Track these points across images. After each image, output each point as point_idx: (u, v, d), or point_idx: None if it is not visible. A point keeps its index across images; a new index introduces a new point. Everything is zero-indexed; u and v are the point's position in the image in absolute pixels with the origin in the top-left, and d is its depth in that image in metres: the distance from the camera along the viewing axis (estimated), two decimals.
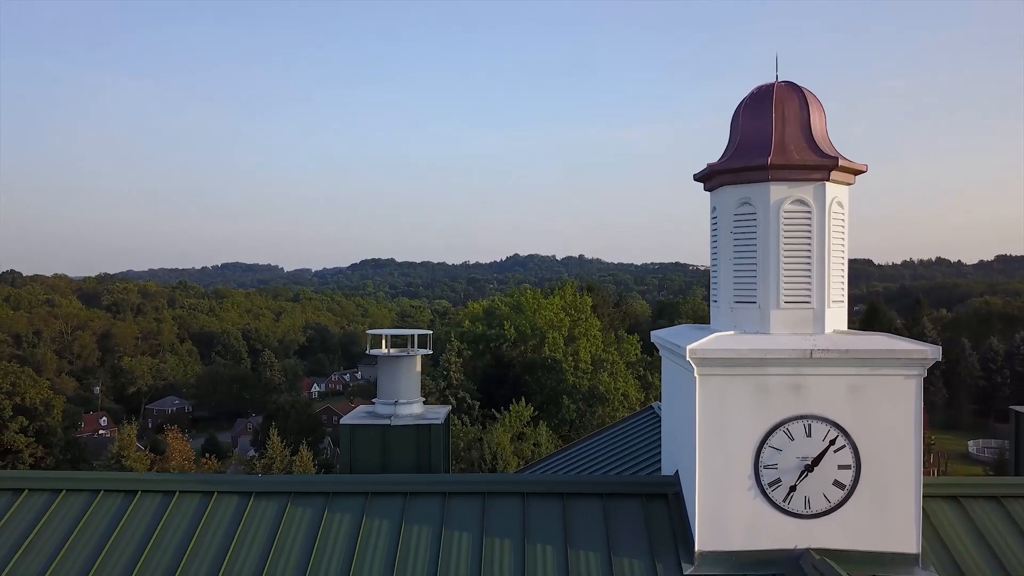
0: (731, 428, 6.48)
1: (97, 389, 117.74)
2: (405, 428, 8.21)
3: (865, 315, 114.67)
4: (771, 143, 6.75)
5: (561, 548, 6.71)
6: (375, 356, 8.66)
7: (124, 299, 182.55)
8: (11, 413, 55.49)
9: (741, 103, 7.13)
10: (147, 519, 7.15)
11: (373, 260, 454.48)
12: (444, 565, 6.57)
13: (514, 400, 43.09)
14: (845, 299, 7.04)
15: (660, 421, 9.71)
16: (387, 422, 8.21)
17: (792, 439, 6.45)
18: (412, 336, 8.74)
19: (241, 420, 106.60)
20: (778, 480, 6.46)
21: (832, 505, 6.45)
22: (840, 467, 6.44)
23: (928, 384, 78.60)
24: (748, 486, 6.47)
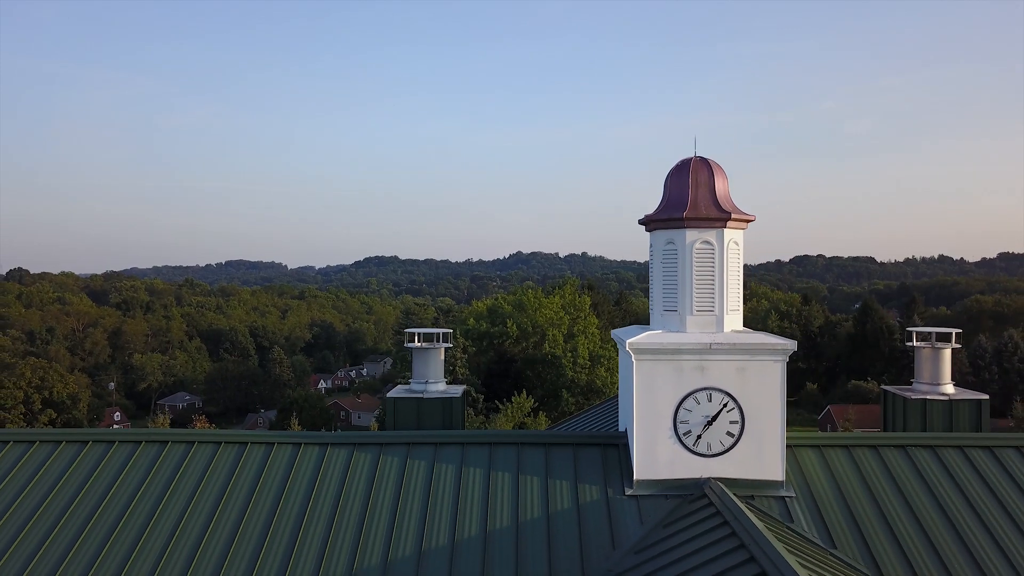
0: (658, 396, 9.62)
1: (112, 385, 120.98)
2: (433, 400, 11.42)
3: (858, 312, 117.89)
4: (687, 201, 9.88)
5: (543, 479, 9.86)
6: (409, 348, 11.85)
7: (133, 297, 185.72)
8: (40, 406, 58.75)
9: (670, 171, 10.26)
10: (255, 465, 10.29)
11: (377, 258, 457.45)
12: (464, 489, 9.72)
13: (516, 393, 46.26)
14: (740, 308, 10.15)
15: None
16: (420, 395, 11.42)
17: (699, 403, 9.59)
18: (438, 334, 11.94)
19: (251, 415, 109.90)
20: (689, 431, 9.60)
21: (725, 448, 9.59)
22: (731, 422, 9.57)
23: None
24: (669, 435, 9.61)
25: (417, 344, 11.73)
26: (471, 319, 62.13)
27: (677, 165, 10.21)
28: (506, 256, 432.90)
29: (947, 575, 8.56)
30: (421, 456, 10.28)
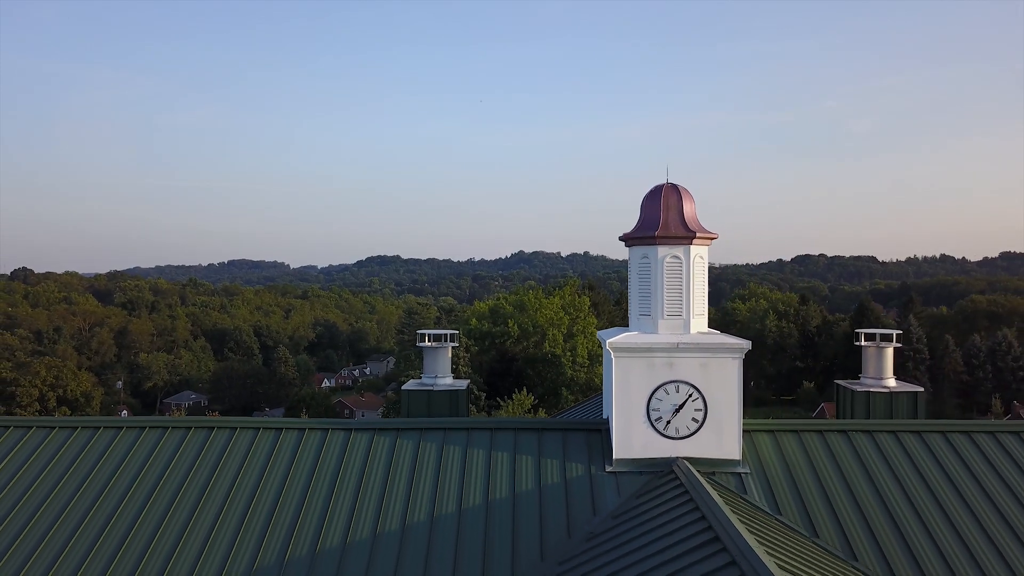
0: (633, 388, 11.34)
1: (120, 384, 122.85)
2: (442, 392, 13.17)
3: (855, 312, 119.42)
4: (659, 222, 11.59)
5: (536, 458, 11.59)
6: (422, 347, 13.60)
7: (138, 296, 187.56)
8: (55, 404, 60.54)
9: (645, 195, 11.97)
10: (289, 448, 12.02)
11: (379, 257, 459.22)
12: (469, 467, 11.44)
13: (516, 390, 48.00)
14: (705, 312, 11.86)
15: None
16: (431, 388, 13.16)
17: (668, 394, 11.31)
18: (445, 334, 13.68)
19: (257, 413, 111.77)
20: (660, 418, 11.32)
21: (691, 432, 11.31)
22: (695, 410, 11.29)
23: (913, 379, 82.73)
24: (643, 421, 11.33)
25: (428, 343, 13.48)
26: (473, 319, 63.86)
27: (651, 190, 11.93)
28: (508, 256, 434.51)
29: (874, 541, 10.26)
30: (432, 439, 12.02)
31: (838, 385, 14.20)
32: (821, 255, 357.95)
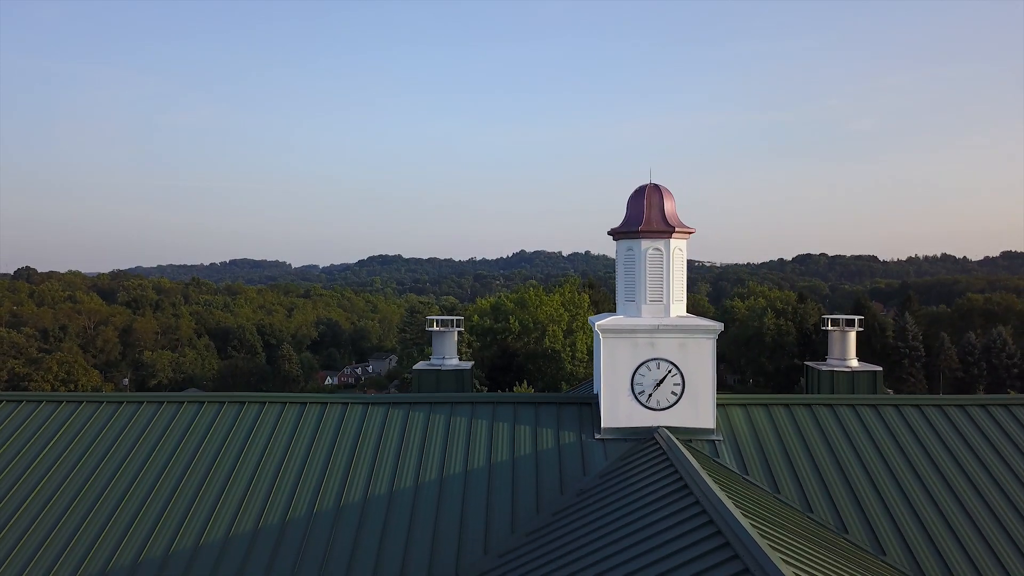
0: (619, 365, 12.79)
1: (126, 381, 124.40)
2: (449, 371, 14.64)
3: (852, 310, 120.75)
4: (643, 218, 13.05)
5: (533, 427, 13.05)
6: (431, 331, 15.08)
7: (142, 295, 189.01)
8: None
9: (631, 194, 13.42)
10: (312, 420, 13.48)
11: (380, 256, 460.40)
12: (473, 435, 12.90)
13: (517, 384, 49.45)
14: (684, 298, 13.31)
15: None
16: (439, 367, 14.64)
17: (650, 370, 12.76)
18: (452, 319, 15.17)
19: None
20: (643, 391, 12.78)
21: (670, 404, 12.76)
22: (674, 384, 12.75)
23: (908, 375, 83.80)
24: (628, 395, 12.79)
25: (436, 328, 14.96)
26: (475, 316, 65.33)
27: (636, 190, 13.39)
28: (509, 255, 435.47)
29: (829, 498, 11.71)
30: (441, 412, 13.49)
31: (807, 366, 15.66)
32: (822, 254, 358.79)
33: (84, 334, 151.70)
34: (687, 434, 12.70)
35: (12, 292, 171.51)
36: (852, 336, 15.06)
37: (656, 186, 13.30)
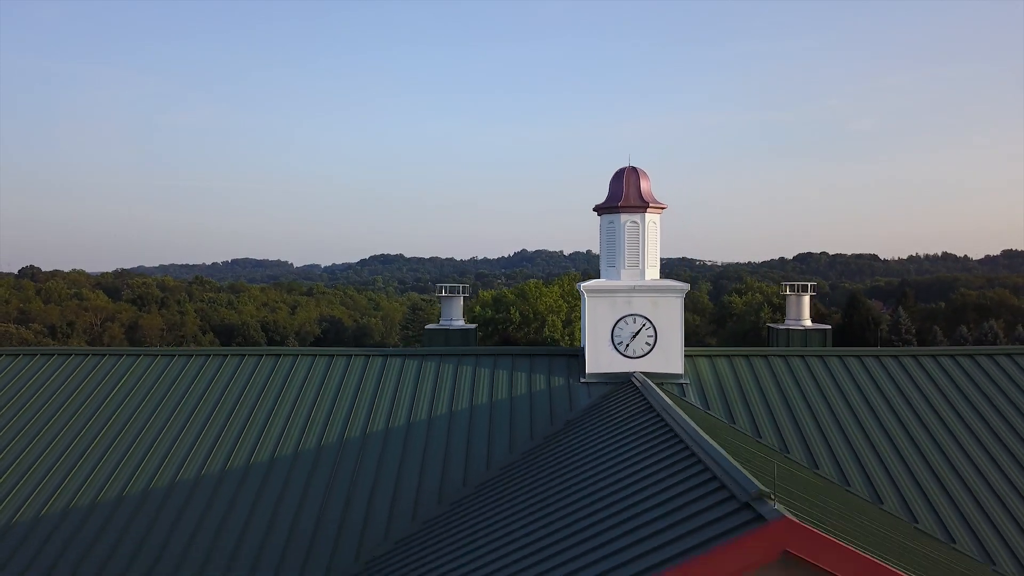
0: (600, 321, 15.05)
1: None
2: (455, 330, 16.93)
3: (846, 305, 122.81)
4: (622, 196, 15.31)
5: (528, 373, 15.33)
6: (440, 297, 17.38)
7: (147, 293, 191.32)
8: None
9: (612, 175, 15.67)
10: (339, 370, 15.75)
11: (382, 255, 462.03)
12: (477, 380, 15.17)
13: None
14: (657, 264, 15.56)
15: None
16: (448, 327, 16.92)
17: (627, 324, 15.02)
18: (457, 287, 17.46)
19: None
20: (622, 342, 15.04)
21: (645, 353, 15.02)
22: (648, 336, 15.01)
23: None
24: (608, 345, 15.05)
25: (445, 295, 17.26)
26: (477, 307, 67.59)
27: (616, 171, 15.65)
28: (510, 254, 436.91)
29: (777, 429, 13.95)
30: (449, 362, 15.78)
31: (769, 327, 17.91)
32: (823, 253, 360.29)
33: (91, 330, 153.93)
34: (659, 378, 14.95)
35: (18, 290, 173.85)
36: (806, 299, 17.34)
37: (633, 168, 15.56)
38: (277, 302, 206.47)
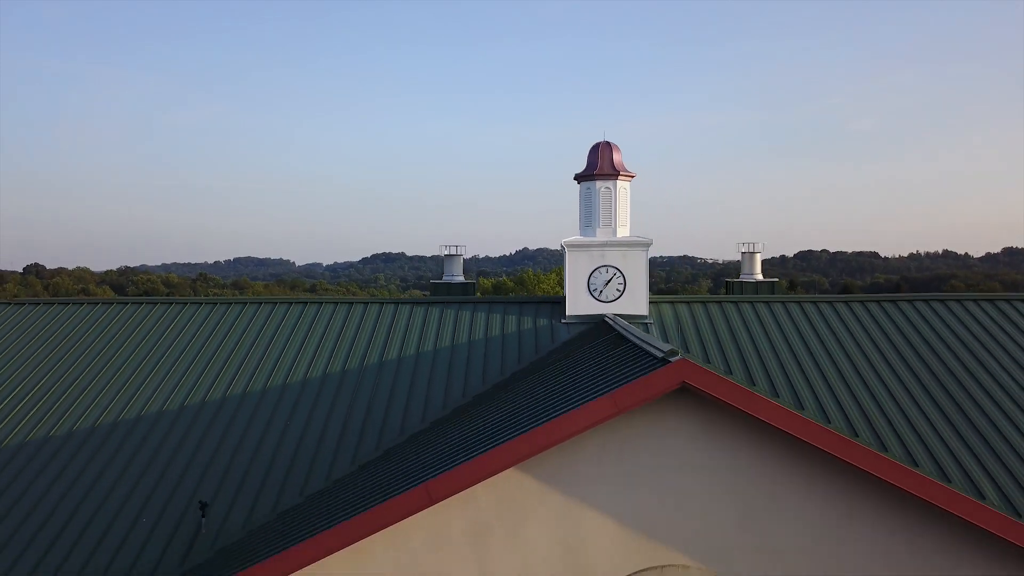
0: (578, 271, 17.84)
1: None
2: (457, 283, 19.75)
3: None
4: (598, 165, 18.09)
5: (517, 317, 18.13)
6: (443, 256, 20.17)
7: (153, 290, 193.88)
8: None
9: (590, 148, 18.44)
10: (356, 316, 18.53)
11: (384, 254, 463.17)
12: (474, 322, 17.96)
13: None
14: (628, 223, 18.32)
15: None
16: (450, 282, 19.74)
17: (601, 274, 17.81)
18: (457, 246, 20.28)
19: None
20: (596, 288, 17.82)
21: (615, 298, 17.79)
22: (618, 284, 17.78)
23: None
24: (585, 291, 17.84)
25: (446, 253, 20.04)
26: (478, 293, 70.31)
27: (593, 145, 18.42)
28: (512, 253, 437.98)
29: (724, 360, 16.71)
30: (451, 309, 18.57)
31: (726, 281, 20.70)
32: (823, 251, 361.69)
33: None
34: (627, 319, 17.71)
35: (25, 287, 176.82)
36: (758, 257, 20.13)
37: (607, 142, 18.34)
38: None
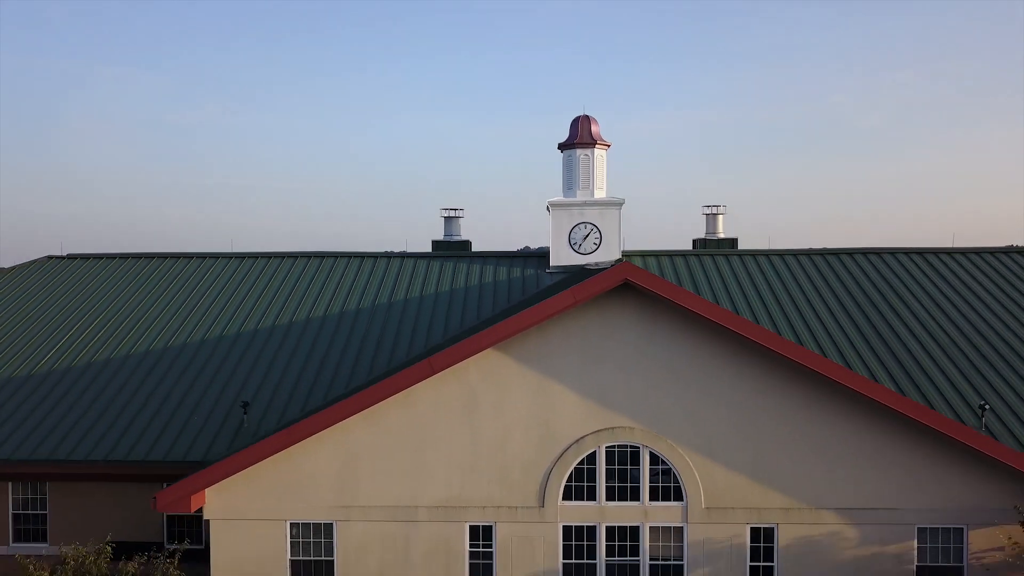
0: (562, 227, 20.59)
1: None
2: (457, 241, 22.57)
3: None
4: (578, 135, 20.84)
5: (508, 268, 20.91)
6: (444, 216, 22.98)
7: None
8: None
9: (571, 121, 21.18)
10: (367, 267, 21.31)
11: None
12: (471, 271, 20.73)
13: None
14: (604, 186, 21.06)
15: None
16: (450, 240, 22.55)
17: (580, 229, 20.56)
18: (457, 208, 23.04)
19: None
20: (576, 242, 20.57)
21: (592, 251, 20.53)
22: (595, 238, 20.52)
23: None
24: (566, 245, 20.59)
25: (448, 215, 22.84)
26: None
27: (574, 118, 21.15)
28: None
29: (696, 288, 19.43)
30: (451, 262, 21.34)
31: (693, 240, 23.46)
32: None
33: None
34: (605, 267, 20.45)
35: None
36: (720, 218, 22.89)
37: (587, 116, 21.08)
38: None
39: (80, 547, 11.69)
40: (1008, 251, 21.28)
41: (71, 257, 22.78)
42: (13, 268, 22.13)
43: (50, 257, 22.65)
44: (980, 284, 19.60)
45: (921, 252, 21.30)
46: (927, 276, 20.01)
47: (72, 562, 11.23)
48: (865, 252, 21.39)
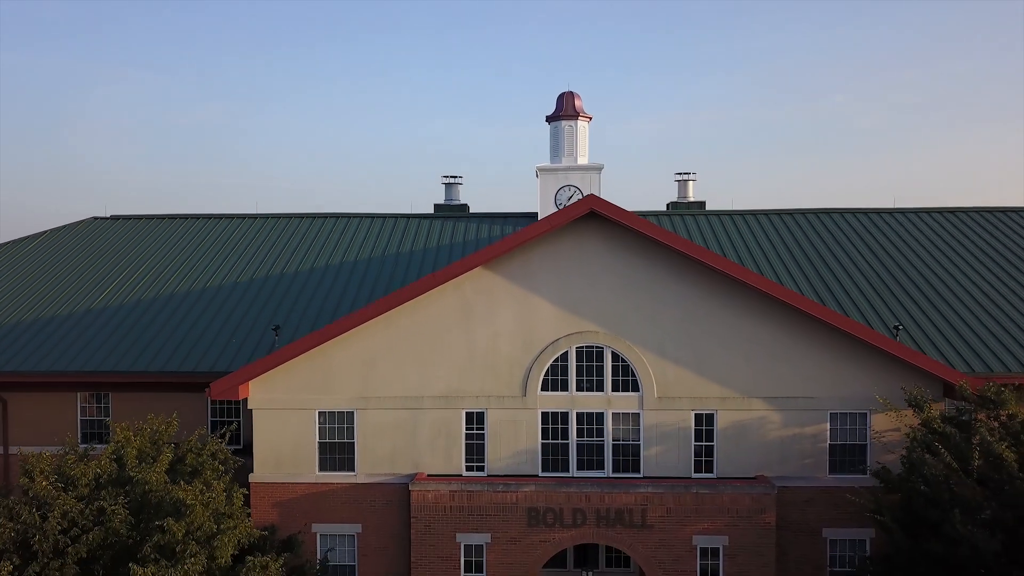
0: (549, 189, 23.42)
1: None
2: (455, 204, 25.43)
3: None
4: (563, 108, 23.68)
5: (501, 228, 23.75)
6: (444, 183, 25.82)
7: None
8: None
9: (558, 96, 24.01)
10: (376, 226, 24.15)
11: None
12: (469, 228, 23.58)
13: None
14: (586, 154, 23.89)
15: None
16: (449, 204, 25.41)
17: (564, 191, 23.39)
18: (456, 175, 25.87)
19: None
20: (561, 203, 23.39)
21: None
22: (578, 199, 23.35)
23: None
24: (552, 206, 23.39)
25: (448, 181, 25.71)
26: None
27: (560, 94, 23.99)
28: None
29: None
30: (450, 222, 24.19)
31: (667, 203, 26.29)
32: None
33: None
34: None
35: None
36: (691, 184, 25.73)
37: (571, 92, 23.92)
38: None
39: (154, 417, 14.50)
40: (941, 211, 24.17)
41: (114, 218, 25.65)
42: (63, 227, 24.97)
43: (95, 218, 25.51)
44: (913, 237, 22.46)
45: (866, 212, 24.16)
46: (867, 230, 22.87)
47: (148, 428, 14.02)
48: (817, 212, 24.25)
